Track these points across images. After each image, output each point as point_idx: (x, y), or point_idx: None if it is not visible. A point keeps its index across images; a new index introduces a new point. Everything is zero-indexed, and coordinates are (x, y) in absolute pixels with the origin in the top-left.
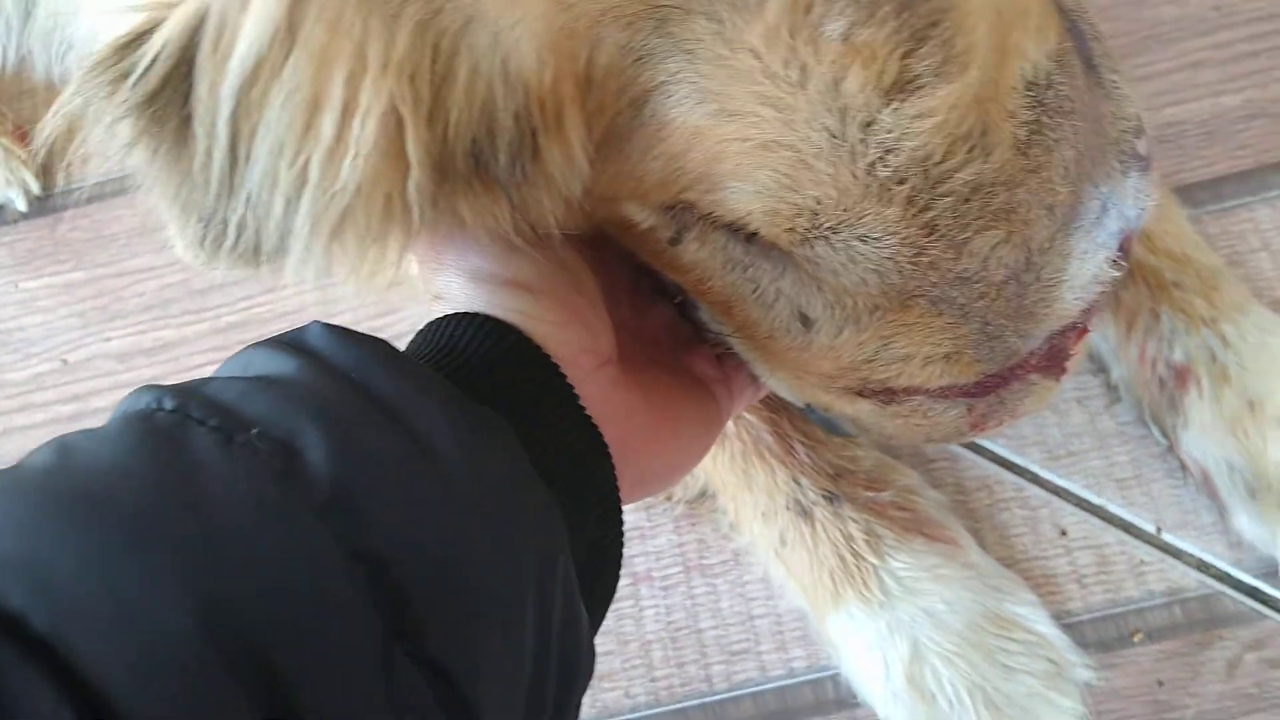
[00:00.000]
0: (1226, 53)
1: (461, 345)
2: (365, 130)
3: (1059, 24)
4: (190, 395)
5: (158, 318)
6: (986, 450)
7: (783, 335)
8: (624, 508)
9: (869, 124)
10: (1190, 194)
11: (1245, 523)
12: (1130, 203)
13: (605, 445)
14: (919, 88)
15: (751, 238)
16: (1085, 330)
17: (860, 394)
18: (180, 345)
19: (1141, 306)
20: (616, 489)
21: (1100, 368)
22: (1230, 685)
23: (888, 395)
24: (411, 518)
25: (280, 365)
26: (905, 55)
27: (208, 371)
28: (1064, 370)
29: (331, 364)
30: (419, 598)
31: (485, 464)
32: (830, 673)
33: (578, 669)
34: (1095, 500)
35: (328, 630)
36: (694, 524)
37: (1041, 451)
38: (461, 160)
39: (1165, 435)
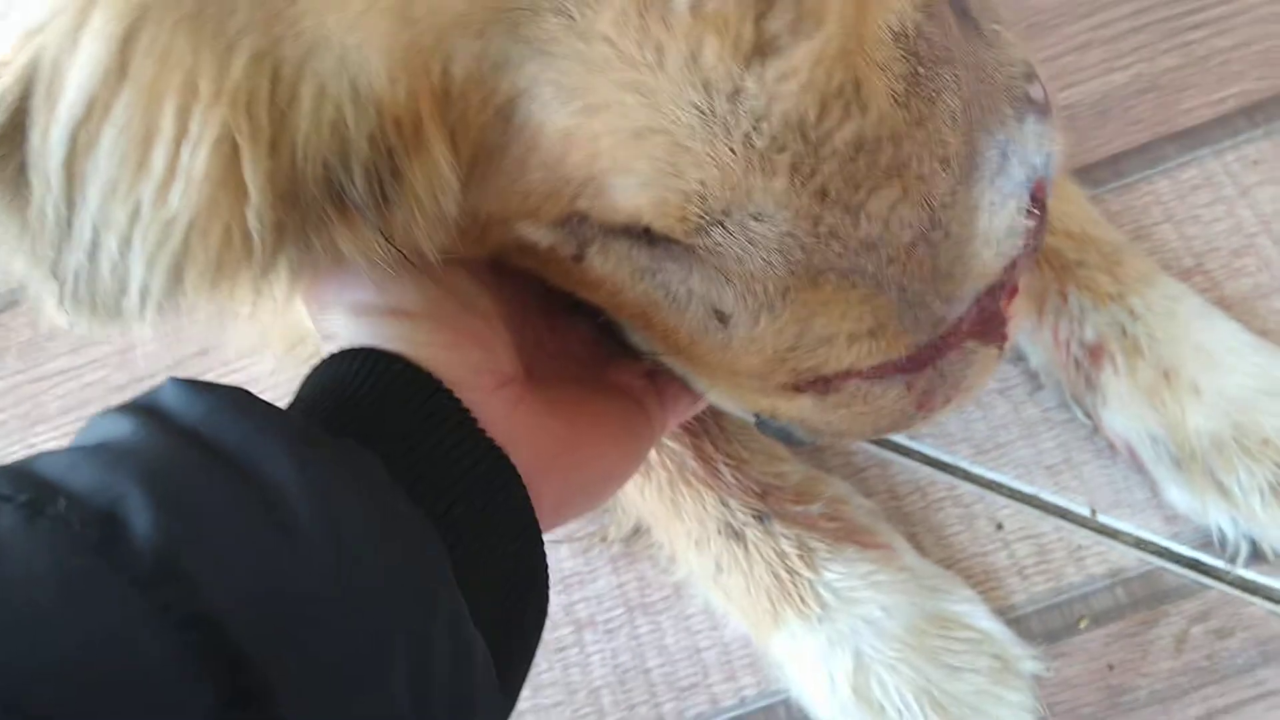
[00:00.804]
0: (1110, 31)
1: (347, 383)
2: (196, 159)
3: None
4: (7, 472)
5: (78, 418)
6: (916, 452)
7: (703, 337)
8: (560, 538)
9: (735, 94)
10: (1090, 174)
11: (1176, 494)
12: (1033, 148)
13: (512, 467)
14: (777, 49)
15: (654, 241)
16: (1015, 290)
17: (797, 388)
18: None
19: (1049, 289)
20: (531, 511)
21: (1018, 356)
22: (1181, 661)
23: (823, 385)
24: (249, 574)
25: (117, 429)
26: (758, 18)
27: None
28: (1004, 337)
29: (175, 421)
30: (261, 658)
31: (339, 507)
32: (781, 697)
33: (473, 711)
34: (1028, 490)
35: (141, 706)
36: (632, 563)
37: (970, 447)
38: (315, 186)
39: (1089, 415)
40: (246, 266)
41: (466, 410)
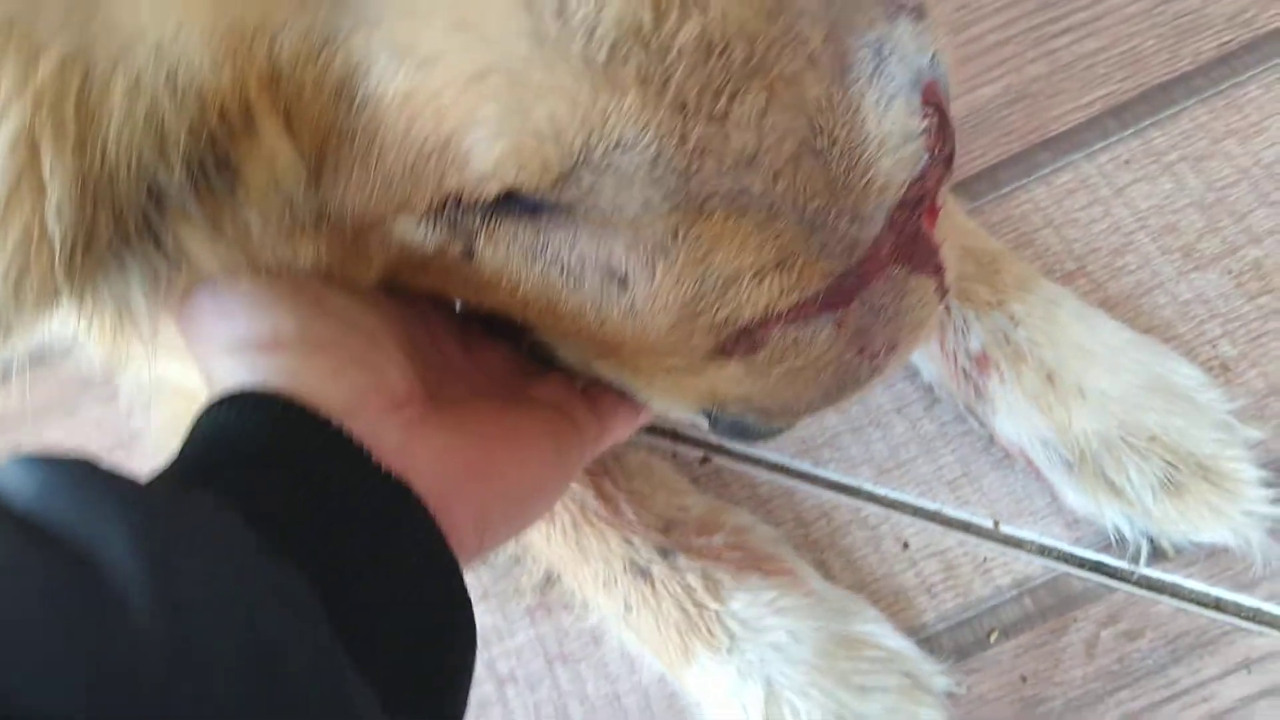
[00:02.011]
0: (979, 45)
1: (226, 432)
2: None
3: None
4: None
5: None
6: (819, 477)
7: (609, 308)
8: (475, 595)
9: (561, 6)
10: (969, 187)
11: (1072, 497)
12: (912, 48)
13: (410, 494)
14: None
15: (535, 212)
16: (935, 207)
17: (722, 351)
18: None
19: None
20: (439, 538)
21: (913, 372)
22: (1093, 666)
23: (747, 341)
24: (73, 675)
25: None
26: None
27: None
28: (938, 267)
29: (11, 505)
30: None
31: (182, 581)
32: None
33: None
34: (930, 507)
35: None
36: (549, 613)
37: (872, 468)
38: (130, 182)
39: (983, 425)
40: (53, 270)
41: (353, 441)
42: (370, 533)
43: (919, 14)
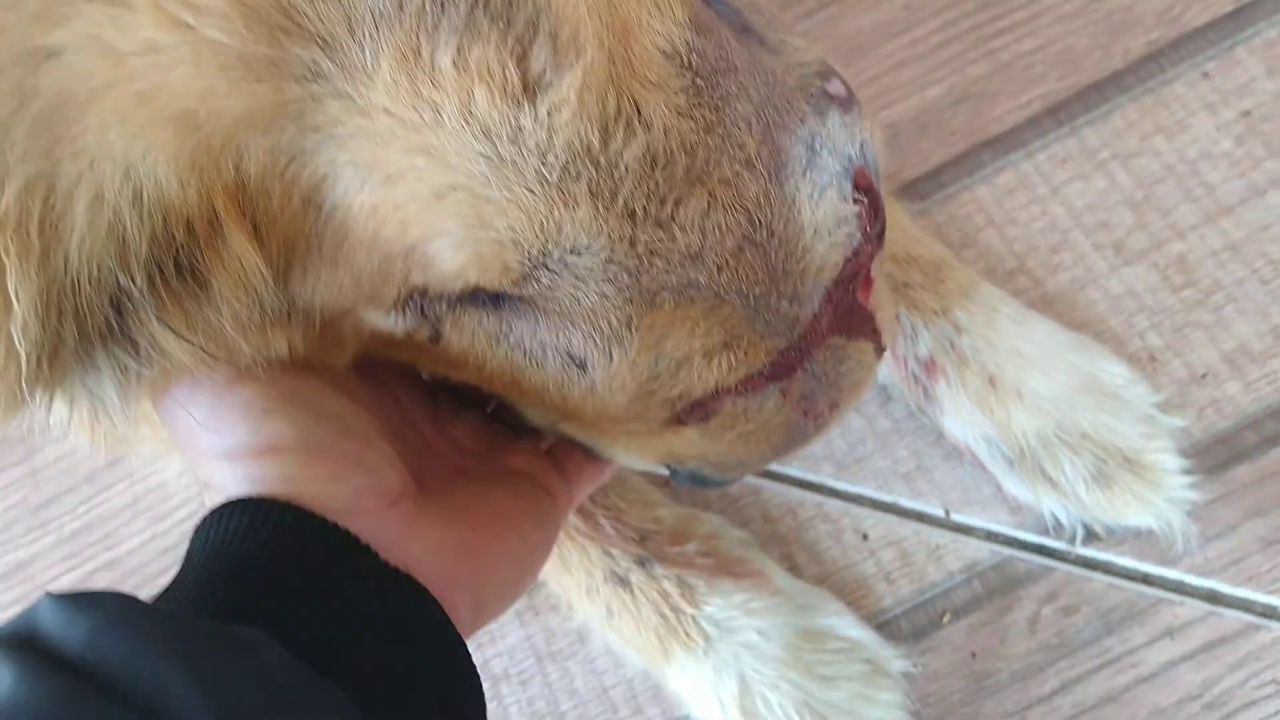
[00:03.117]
0: (922, 47)
1: (237, 542)
2: None
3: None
4: None
5: (4, 541)
6: (783, 475)
7: (571, 388)
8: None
9: (515, 134)
10: (915, 188)
11: (1014, 488)
12: (842, 139)
13: (421, 588)
14: (545, 85)
15: (498, 303)
16: (870, 281)
17: (679, 420)
18: (33, 563)
19: None
20: (450, 626)
21: None
22: (1035, 640)
23: (701, 410)
24: None
25: None
26: (519, 60)
27: (66, 582)
28: (875, 331)
29: (59, 655)
30: None
31: (242, 713)
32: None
33: None
34: (887, 499)
35: None
36: (537, 615)
37: (832, 465)
38: (92, 290)
39: (933, 423)
40: (20, 382)
41: (360, 541)
42: (391, 636)
43: (846, 105)
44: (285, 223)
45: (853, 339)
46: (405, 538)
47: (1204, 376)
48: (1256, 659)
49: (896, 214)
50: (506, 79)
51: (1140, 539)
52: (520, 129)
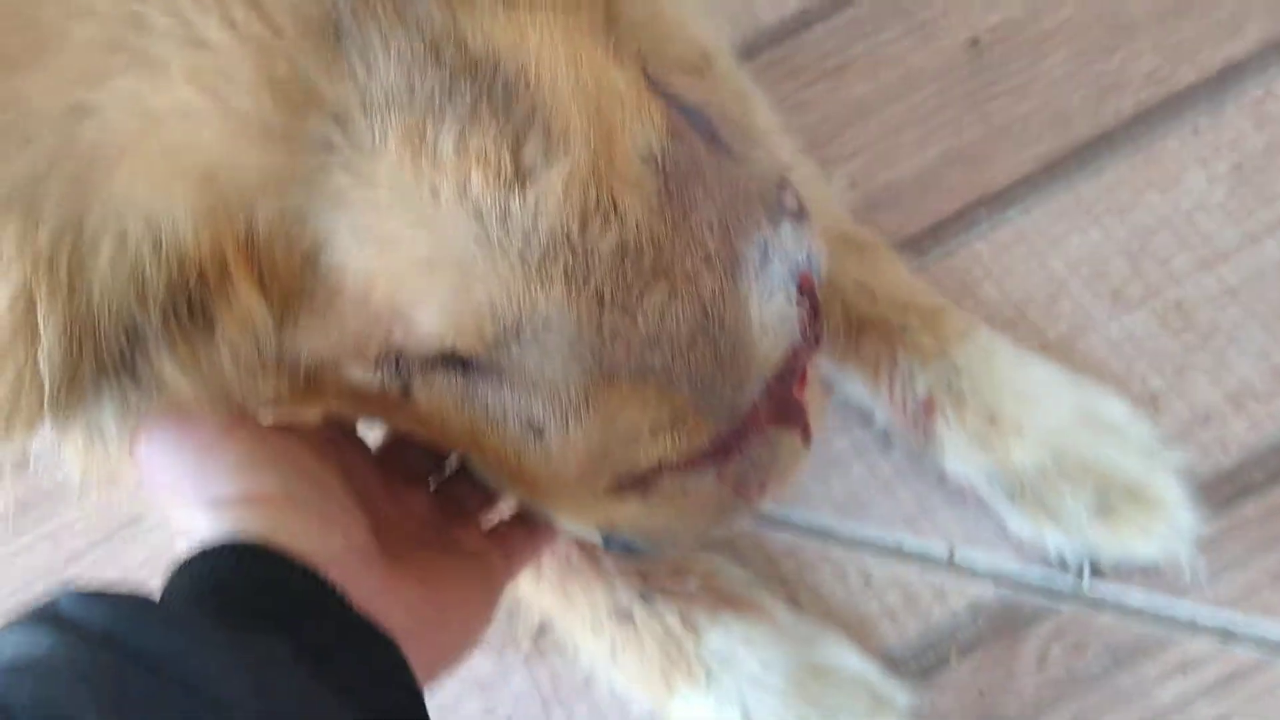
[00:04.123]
0: (920, 112)
1: (222, 578)
2: None
3: (661, 106)
4: None
5: (24, 600)
6: (785, 521)
7: (527, 451)
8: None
9: (504, 217)
10: (915, 244)
11: (1017, 524)
12: (792, 247)
13: (393, 643)
14: (535, 175)
15: (466, 368)
16: (805, 378)
17: (623, 490)
18: None
19: (880, 355)
20: (416, 681)
21: (867, 420)
22: (1044, 677)
23: (642, 484)
24: None
25: (35, 643)
26: (514, 150)
27: None
28: (805, 424)
29: (90, 631)
30: None
31: (278, 702)
32: None
33: None
34: (890, 542)
35: None
36: (543, 657)
37: (834, 509)
38: (110, 325)
39: (933, 464)
40: (41, 406)
41: (339, 593)
42: (373, 684)
43: (798, 217)
44: (286, 277)
45: (786, 428)
46: (374, 595)
47: (1207, 416)
48: (1272, 694)
49: (894, 264)
50: (501, 166)
51: (1148, 574)
52: (509, 212)
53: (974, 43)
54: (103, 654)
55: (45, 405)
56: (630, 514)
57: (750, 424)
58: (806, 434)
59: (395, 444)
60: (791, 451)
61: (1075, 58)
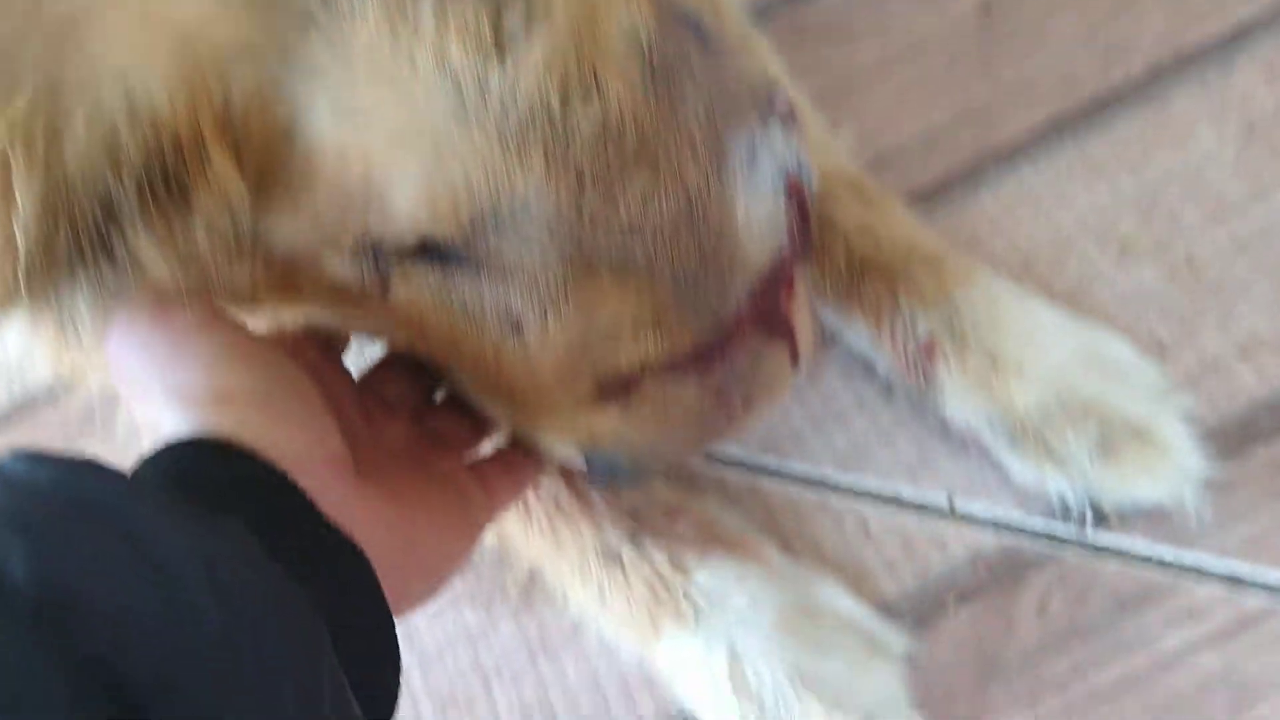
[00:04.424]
0: (927, 73)
1: (189, 470)
2: None
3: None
4: None
5: None
6: (783, 472)
7: (505, 350)
8: (460, 595)
9: (482, 88)
10: (924, 201)
11: (1019, 469)
12: (781, 148)
13: (361, 552)
14: (515, 43)
15: (445, 258)
16: (792, 287)
17: (602, 396)
18: None
19: (882, 298)
20: (383, 593)
21: (868, 369)
22: (1045, 626)
23: (623, 389)
24: (136, 625)
25: None
26: (493, 19)
27: None
28: (790, 335)
29: (36, 487)
30: (153, 705)
31: (225, 572)
32: (678, 714)
33: None
34: (889, 491)
35: None
36: (531, 607)
37: (834, 461)
38: (85, 193)
39: (934, 411)
40: (16, 277)
41: (308, 497)
42: (337, 583)
43: (788, 120)
44: (262, 152)
45: (771, 340)
46: (347, 505)
47: (1215, 366)
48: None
49: (899, 210)
50: (481, 35)
51: (1153, 522)
52: (487, 84)
53: (985, 6)
54: (45, 506)
55: (21, 273)
56: (611, 425)
57: (734, 330)
58: (795, 352)
59: (378, 372)
60: (778, 367)
61: (1085, 19)
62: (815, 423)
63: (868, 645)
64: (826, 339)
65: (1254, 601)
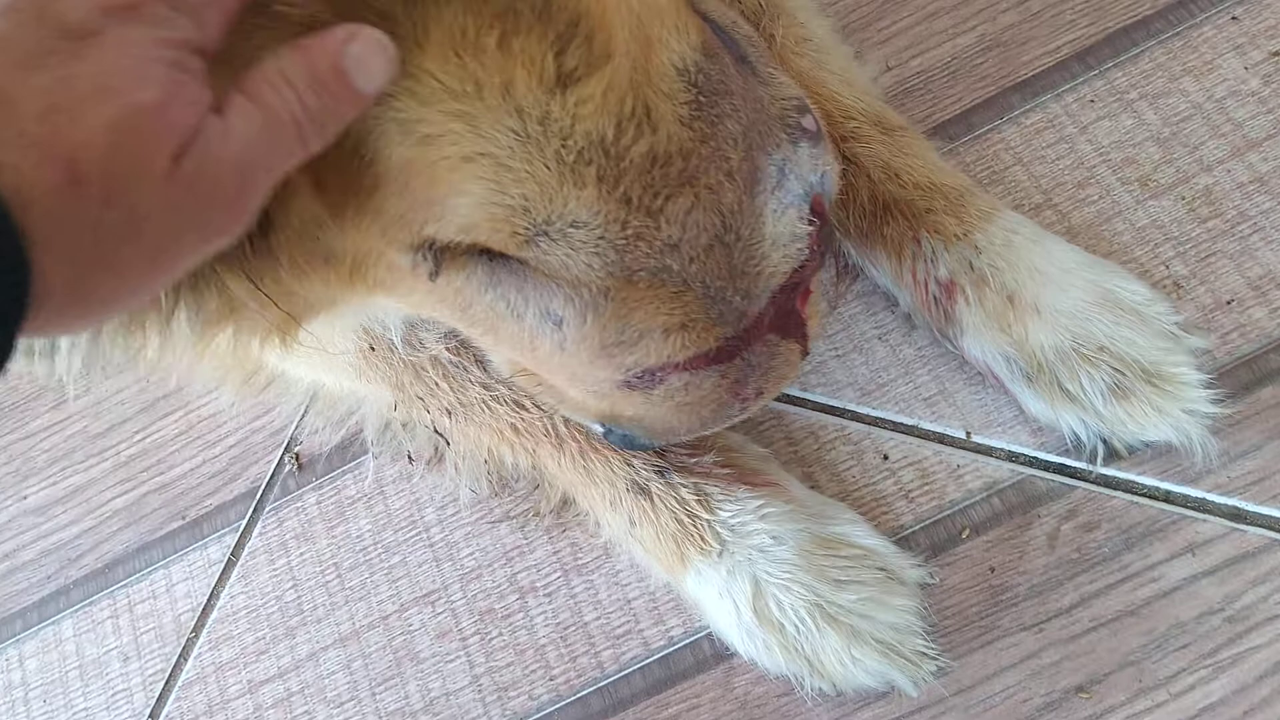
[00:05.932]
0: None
1: None
2: None
3: (699, 24)
4: None
5: (65, 467)
6: (807, 400)
7: (543, 341)
8: (498, 518)
9: (544, 117)
10: (945, 130)
11: (1033, 406)
12: (807, 168)
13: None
14: (576, 79)
15: (493, 259)
16: (808, 291)
17: (629, 385)
18: (89, 487)
19: (904, 237)
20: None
21: (891, 302)
22: (1054, 556)
23: (649, 379)
24: None
25: None
26: (557, 54)
27: (119, 504)
28: (803, 334)
29: None
30: None
31: None
32: (704, 632)
33: None
34: (908, 421)
35: None
36: (564, 530)
37: (855, 390)
38: None
39: (954, 346)
40: (155, 319)
41: None
42: None
43: (815, 139)
44: (336, 170)
45: (785, 339)
46: None
47: (1229, 302)
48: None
49: (922, 147)
50: (545, 69)
51: (1161, 458)
52: (548, 114)
53: None
54: None
55: (158, 321)
56: (634, 407)
57: (754, 331)
58: (804, 345)
59: None
60: (788, 360)
61: None
62: (838, 353)
63: (884, 577)
64: (850, 273)
65: (1256, 535)
